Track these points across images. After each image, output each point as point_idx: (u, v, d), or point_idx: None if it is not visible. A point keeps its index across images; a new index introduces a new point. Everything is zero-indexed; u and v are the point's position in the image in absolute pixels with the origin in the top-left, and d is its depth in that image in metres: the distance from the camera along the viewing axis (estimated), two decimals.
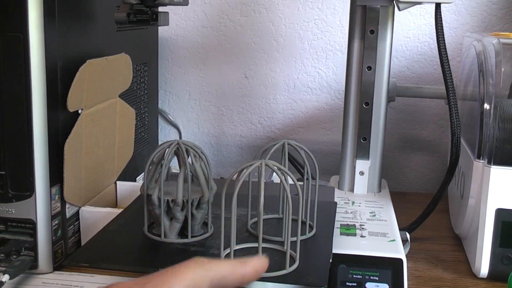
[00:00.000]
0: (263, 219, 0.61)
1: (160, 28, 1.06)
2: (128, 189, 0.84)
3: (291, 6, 1.08)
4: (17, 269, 0.65)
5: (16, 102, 0.64)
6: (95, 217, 0.73)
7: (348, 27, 0.82)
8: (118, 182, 0.84)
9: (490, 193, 0.68)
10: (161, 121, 1.16)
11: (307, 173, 0.64)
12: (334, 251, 0.60)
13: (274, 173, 0.80)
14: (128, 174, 0.89)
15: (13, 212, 0.66)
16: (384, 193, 0.85)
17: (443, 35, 0.73)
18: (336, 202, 0.74)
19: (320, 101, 1.11)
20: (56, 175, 0.68)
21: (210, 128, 1.16)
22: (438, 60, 0.74)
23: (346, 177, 0.85)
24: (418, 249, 0.78)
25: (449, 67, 0.73)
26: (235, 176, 0.53)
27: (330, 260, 0.58)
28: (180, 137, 1.17)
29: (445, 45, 0.73)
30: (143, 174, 0.89)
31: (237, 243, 0.57)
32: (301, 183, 0.63)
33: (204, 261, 0.36)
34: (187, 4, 0.72)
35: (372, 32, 0.79)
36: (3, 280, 0.62)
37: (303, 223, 0.62)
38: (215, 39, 1.12)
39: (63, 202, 0.70)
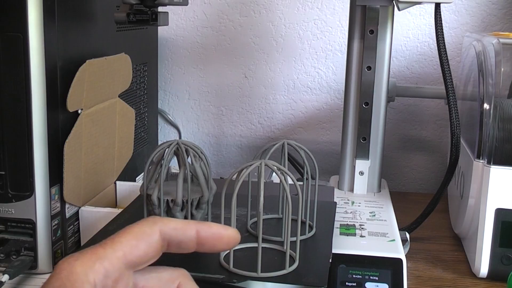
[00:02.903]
0: (263, 219, 0.61)
1: (159, 28, 1.06)
2: (128, 189, 0.84)
3: (291, 6, 1.08)
4: (17, 269, 0.65)
5: (16, 102, 0.64)
6: (95, 217, 0.73)
7: (347, 27, 0.82)
8: (117, 182, 0.84)
9: (489, 193, 0.68)
10: (160, 121, 1.16)
11: (307, 173, 0.64)
12: (333, 251, 0.60)
13: (274, 173, 0.80)
14: (128, 174, 0.89)
15: (13, 212, 0.66)
16: (384, 193, 0.85)
17: (443, 35, 0.73)
18: (335, 202, 0.74)
19: (319, 101, 1.11)
20: (55, 175, 0.68)
21: (210, 128, 1.16)
22: (438, 60, 0.74)
23: (345, 177, 0.85)
24: (418, 249, 0.78)
25: (449, 67, 0.73)
26: (234, 176, 0.53)
27: (330, 260, 0.58)
28: (180, 137, 1.17)
29: (444, 45, 0.73)
30: (142, 174, 0.89)
31: None
32: (301, 183, 0.63)
33: (156, 217, 0.36)
34: (186, 4, 0.72)
35: (371, 32, 0.79)
36: (3, 280, 0.62)
37: (303, 223, 0.62)
38: (214, 39, 1.12)
39: (62, 202, 0.70)
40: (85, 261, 0.32)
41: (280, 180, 0.54)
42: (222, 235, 0.37)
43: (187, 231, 0.36)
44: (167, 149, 0.60)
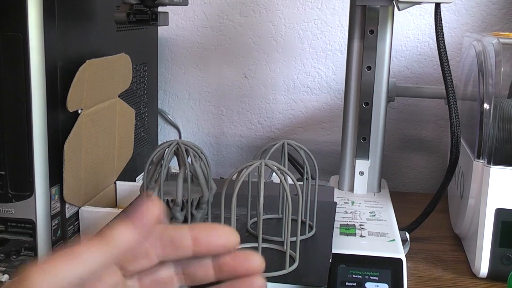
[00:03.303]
0: (263, 219, 0.61)
1: (159, 28, 1.06)
2: (128, 189, 0.84)
3: (291, 6, 1.08)
4: (17, 269, 0.65)
5: (16, 102, 0.64)
6: (95, 217, 0.73)
7: (347, 27, 0.82)
8: (117, 182, 0.84)
9: (489, 193, 0.68)
10: (160, 121, 1.16)
11: (307, 173, 0.64)
12: (333, 251, 0.60)
13: (274, 173, 0.80)
14: (128, 174, 0.89)
15: (13, 212, 0.66)
16: (384, 193, 0.85)
17: (443, 35, 0.73)
18: (335, 202, 0.74)
19: (319, 101, 1.11)
20: (55, 175, 0.68)
21: (209, 128, 1.16)
22: (438, 60, 0.74)
23: (346, 177, 0.85)
24: (418, 249, 0.78)
25: (449, 67, 0.73)
26: (234, 176, 0.53)
27: (330, 260, 0.58)
28: (180, 137, 1.17)
29: (444, 45, 0.73)
30: (142, 174, 0.89)
31: None
32: (301, 183, 0.63)
33: None
34: (186, 4, 0.72)
35: (371, 32, 0.79)
36: (3, 280, 0.62)
37: (303, 223, 0.62)
38: (215, 39, 1.12)
39: (62, 202, 0.70)
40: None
41: (280, 180, 0.54)
42: (215, 227, 0.37)
43: (180, 228, 0.36)
44: (167, 149, 0.60)
